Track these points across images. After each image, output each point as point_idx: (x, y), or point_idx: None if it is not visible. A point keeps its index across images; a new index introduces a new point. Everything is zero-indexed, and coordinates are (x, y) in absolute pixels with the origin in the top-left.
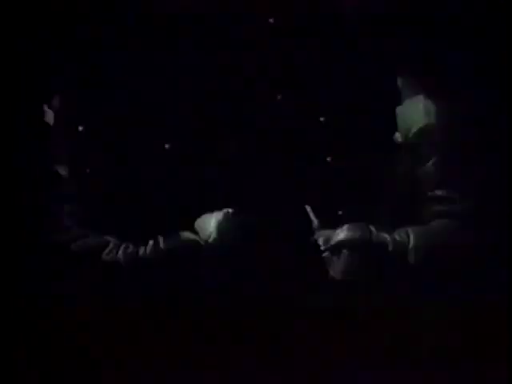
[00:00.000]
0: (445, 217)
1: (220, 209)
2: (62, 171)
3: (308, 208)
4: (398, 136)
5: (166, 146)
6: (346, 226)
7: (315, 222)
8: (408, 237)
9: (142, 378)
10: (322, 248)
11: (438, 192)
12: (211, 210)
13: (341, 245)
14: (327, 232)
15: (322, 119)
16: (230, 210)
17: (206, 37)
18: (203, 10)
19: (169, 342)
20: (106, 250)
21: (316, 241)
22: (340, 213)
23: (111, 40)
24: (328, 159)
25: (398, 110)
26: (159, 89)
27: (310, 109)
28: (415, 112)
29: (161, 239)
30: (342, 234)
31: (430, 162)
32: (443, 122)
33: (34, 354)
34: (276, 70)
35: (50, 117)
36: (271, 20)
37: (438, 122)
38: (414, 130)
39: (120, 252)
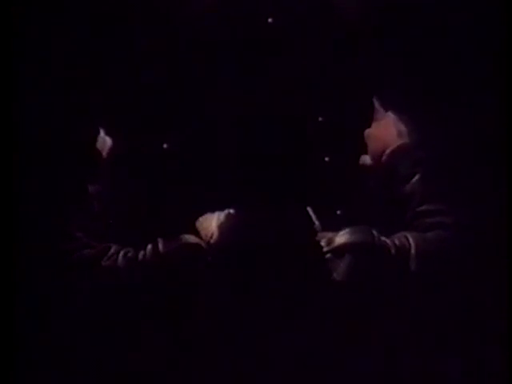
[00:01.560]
0: (437, 228)
1: (221, 209)
2: (92, 189)
3: (310, 210)
4: (366, 159)
5: (165, 145)
6: (348, 229)
7: (317, 223)
8: (408, 242)
9: (143, 380)
10: (325, 250)
11: (427, 206)
12: (213, 210)
13: (343, 247)
14: (329, 234)
15: (320, 119)
16: (232, 211)
17: (206, 38)
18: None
19: (168, 344)
20: (107, 256)
21: (319, 242)
22: (338, 212)
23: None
24: (326, 159)
25: (367, 132)
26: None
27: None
28: (387, 134)
29: (160, 242)
30: (344, 236)
31: (414, 179)
32: (418, 141)
33: (33, 356)
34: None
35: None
36: (270, 20)
37: (411, 141)
38: (387, 151)
39: (120, 257)
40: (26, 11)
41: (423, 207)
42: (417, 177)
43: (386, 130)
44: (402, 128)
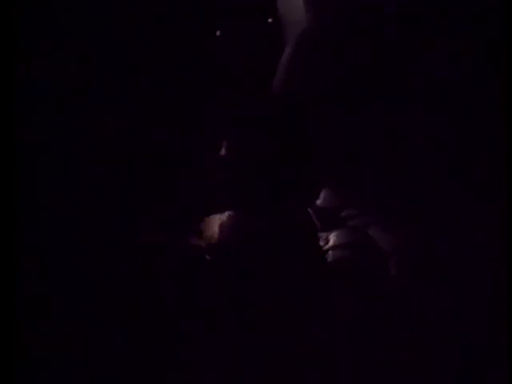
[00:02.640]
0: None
1: (223, 211)
2: None
3: (310, 211)
4: None
5: None
6: (344, 230)
7: (317, 224)
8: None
9: (143, 378)
10: (324, 249)
11: (345, 212)
12: (214, 212)
13: (341, 247)
14: (325, 234)
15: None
16: (233, 213)
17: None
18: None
19: (167, 344)
20: None
21: (318, 242)
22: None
23: None
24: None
25: None
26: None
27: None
28: None
29: None
30: (341, 236)
31: (322, 196)
32: None
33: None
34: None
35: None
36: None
37: None
38: None
39: None
40: (26, 11)
41: (343, 214)
42: (323, 194)
43: None
44: None
